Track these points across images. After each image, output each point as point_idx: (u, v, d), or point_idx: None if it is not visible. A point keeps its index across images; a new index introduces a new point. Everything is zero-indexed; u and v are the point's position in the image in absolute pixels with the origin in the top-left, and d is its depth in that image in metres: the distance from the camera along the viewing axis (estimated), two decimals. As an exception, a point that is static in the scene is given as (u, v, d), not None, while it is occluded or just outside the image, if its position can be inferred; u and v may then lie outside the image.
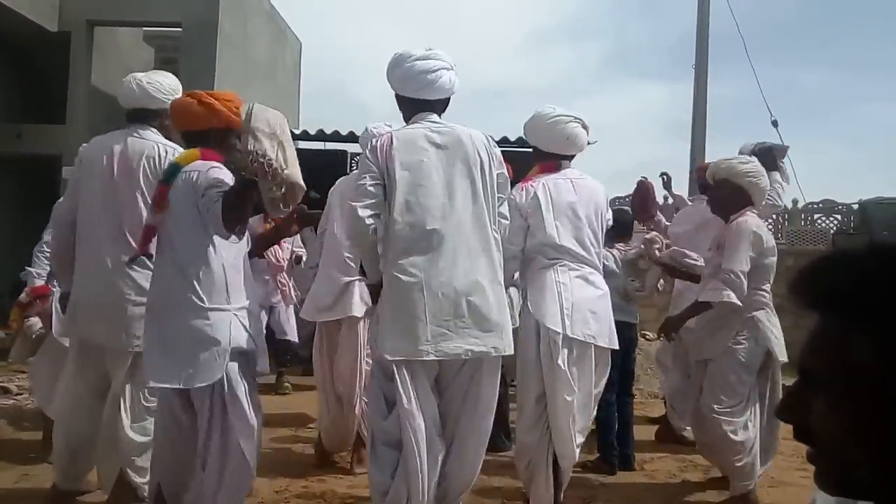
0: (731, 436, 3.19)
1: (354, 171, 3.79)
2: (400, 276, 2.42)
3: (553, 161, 3.10)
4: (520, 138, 8.57)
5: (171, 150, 2.88)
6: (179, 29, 8.76)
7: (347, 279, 3.57)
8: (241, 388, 2.41)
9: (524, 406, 2.94)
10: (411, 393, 2.41)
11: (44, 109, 8.73)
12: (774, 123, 10.28)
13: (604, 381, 3.07)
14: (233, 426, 2.38)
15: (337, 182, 3.85)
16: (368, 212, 2.42)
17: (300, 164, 2.51)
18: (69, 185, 3.09)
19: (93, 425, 2.93)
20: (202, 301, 2.37)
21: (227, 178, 2.37)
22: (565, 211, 2.98)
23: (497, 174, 2.59)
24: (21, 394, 5.63)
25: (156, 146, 2.91)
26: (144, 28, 9.84)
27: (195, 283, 2.37)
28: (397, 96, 2.64)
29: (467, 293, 2.44)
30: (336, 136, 8.69)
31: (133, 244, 2.75)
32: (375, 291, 2.57)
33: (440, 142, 2.51)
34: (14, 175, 8.75)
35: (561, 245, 2.93)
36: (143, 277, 2.75)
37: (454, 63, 2.61)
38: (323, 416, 3.76)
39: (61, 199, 3.49)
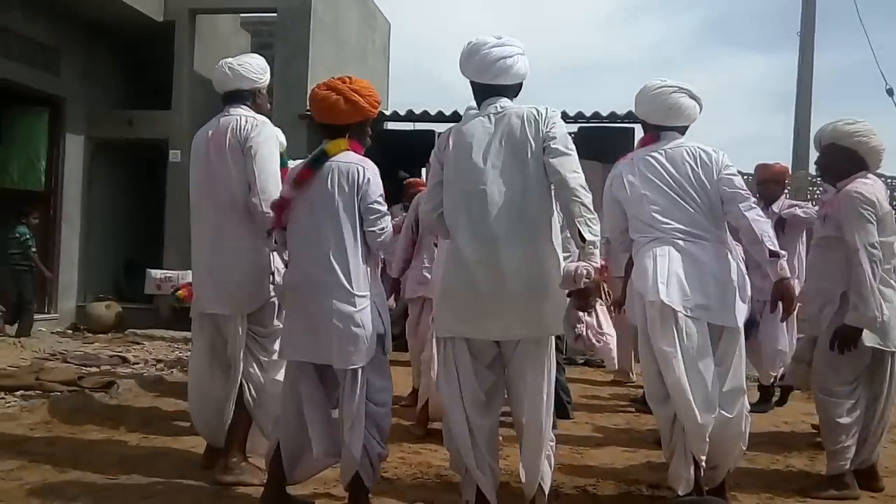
0: (837, 419, 3.11)
1: None
2: (451, 257, 2.54)
3: (653, 133, 3.00)
4: (612, 113, 8.39)
5: (252, 119, 3.09)
6: (275, 14, 9.00)
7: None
8: (377, 367, 2.62)
9: (646, 382, 2.90)
10: (453, 370, 2.50)
11: (151, 96, 9.20)
12: (889, 92, 9.61)
13: (735, 362, 2.76)
14: (357, 399, 2.56)
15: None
16: (434, 213, 2.61)
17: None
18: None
19: (219, 387, 3.14)
20: (352, 287, 2.58)
21: (380, 184, 2.68)
22: (658, 186, 2.84)
23: (549, 142, 2.47)
24: (138, 363, 6.04)
25: (238, 118, 3.10)
26: (241, 15, 10.18)
27: (345, 269, 2.58)
28: (472, 83, 2.66)
29: (516, 273, 2.44)
30: (425, 117, 8.76)
31: (234, 216, 3.03)
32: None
33: (493, 126, 2.53)
34: (125, 159, 9.29)
35: (658, 220, 2.80)
36: (246, 249, 3.05)
37: (524, 48, 2.63)
38: (422, 388, 3.98)
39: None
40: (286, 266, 2.87)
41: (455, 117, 8.57)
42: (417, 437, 3.86)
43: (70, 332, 8.07)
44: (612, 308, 5.87)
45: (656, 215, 2.81)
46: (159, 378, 5.41)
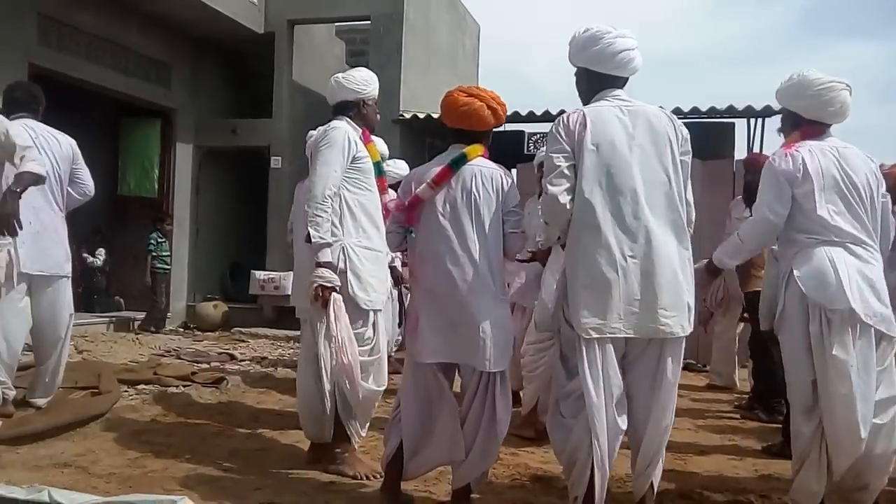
0: None
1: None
2: (591, 253, 2.42)
3: (813, 127, 2.84)
4: (711, 108, 8.10)
5: (327, 126, 3.27)
6: (368, 22, 9.23)
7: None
8: (503, 376, 2.65)
9: (792, 393, 2.75)
10: (598, 371, 2.40)
11: (253, 105, 9.64)
12: None
13: (891, 371, 2.67)
14: (497, 402, 2.61)
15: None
16: (567, 196, 2.44)
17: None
18: None
19: (318, 385, 3.22)
20: (496, 289, 2.65)
21: (517, 192, 2.75)
22: (835, 185, 2.72)
23: (682, 152, 2.51)
24: (244, 360, 6.34)
25: (322, 127, 3.30)
26: (336, 24, 10.49)
27: (492, 273, 2.64)
28: (585, 71, 2.62)
29: (657, 271, 2.39)
30: (515, 117, 8.74)
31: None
32: (544, 256, 2.80)
33: (630, 120, 2.48)
34: (230, 166, 9.77)
35: (834, 226, 2.68)
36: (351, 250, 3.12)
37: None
38: (530, 391, 3.94)
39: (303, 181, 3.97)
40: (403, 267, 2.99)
41: (547, 117, 8.50)
42: (527, 440, 3.80)
43: (181, 330, 8.57)
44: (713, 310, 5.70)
45: (833, 216, 2.70)
46: (264, 375, 5.66)
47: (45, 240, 3.87)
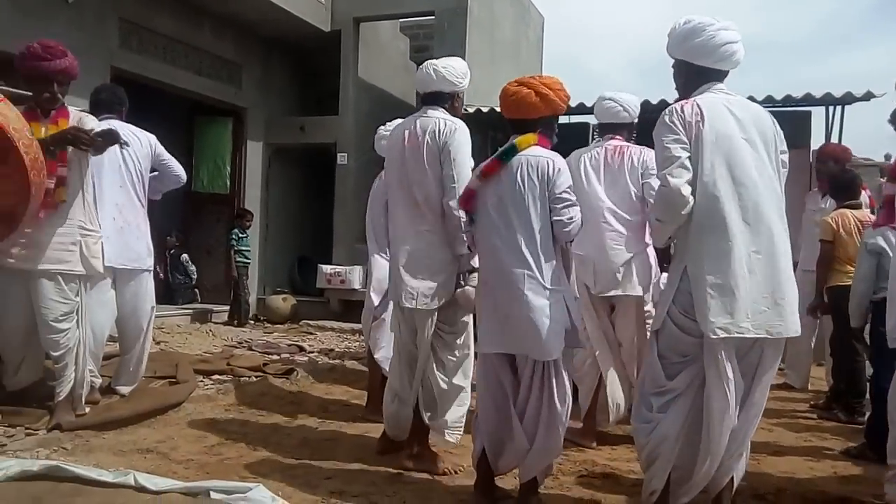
0: None
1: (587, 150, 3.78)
2: (718, 250, 2.36)
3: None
4: (787, 96, 7.78)
5: (451, 123, 3.11)
6: (432, 17, 9.26)
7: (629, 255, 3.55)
8: (559, 365, 2.63)
9: None
10: (728, 372, 2.35)
11: (320, 103, 9.82)
12: None
13: None
14: (553, 395, 2.60)
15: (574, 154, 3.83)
16: (689, 188, 2.37)
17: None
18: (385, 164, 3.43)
19: (410, 378, 3.21)
20: (543, 279, 2.61)
21: (570, 176, 2.70)
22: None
23: (781, 150, 2.49)
24: (313, 351, 6.49)
25: (437, 120, 3.13)
26: (400, 20, 10.56)
27: (538, 263, 2.62)
28: (685, 64, 2.55)
29: (780, 268, 2.37)
30: (581, 109, 8.61)
31: (427, 214, 3.08)
32: (665, 255, 2.78)
33: (739, 115, 2.44)
34: (297, 163, 9.99)
35: None
36: (437, 244, 3.08)
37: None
38: (584, 394, 3.79)
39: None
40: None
41: (613, 109, 8.33)
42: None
43: (252, 322, 8.83)
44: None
45: None
46: (332, 366, 5.79)
47: (128, 235, 4.08)
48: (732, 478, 2.49)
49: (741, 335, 2.33)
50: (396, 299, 3.19)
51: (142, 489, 2.61)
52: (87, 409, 3.71)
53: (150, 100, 7.35)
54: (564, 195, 2.66)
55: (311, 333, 7.89)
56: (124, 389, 4.20)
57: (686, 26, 2.51)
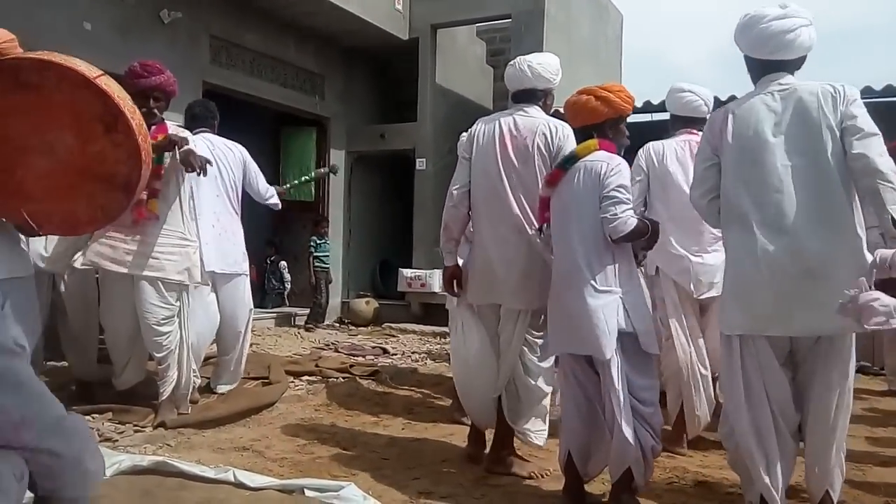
0: None
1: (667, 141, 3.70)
2: (737, 248, 2.39)
3: None
4: (888, 86, 7.35)
5: (562, 126, 3.06)
6: (508, 21, 9.27)
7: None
8: (616, 366, 2.58)
9: None
10: (738, 369, 2.35)
11: (398, 110, 10.01)
12: None
13: None
14: (633, 398, 2.58)
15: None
16: (706, 197, 2.54)
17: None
18: (459, 164, 3.30)
19: (492, 378, 3.18)
20: (595, 282, 2.62)
21: (627, 177, 2.68)
22: None
23: (847, 116, 2.27)
24: (395, 354, 6.61)
25: (546, 123, 3.08)
26: (477, 24, 10.62)
27: (591, 265, 2.64)
28: (747, 58, 2.52)
29: (822, 263, 2.24)
30: (663, 107, 8.41)
31: (521, 216, 3.05)
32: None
33: (780, 107, 2.36)
34: (378, 169, 10.21)
35: None
36: (524, 244, 3.04)
37: (812, 17, 2.40)
38: (673, 400, 3.66)
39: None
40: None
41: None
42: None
43: (337, 324, 9.07)
44: None
45: None
46: (415, 368, 5.88)
47: (225, 241, 4.29)
48: (829, 492, 2.37)
49: (763, 333, 2.32)
50: (481, 300, 3.19)
51: (241, 485, 2.73)
52: (189, 408, 3.91)
53: (238, 112, 7.68)
54: (612, 193, 2.63)
55: (393, 336, 8.02)
56: (224, 388, 4.42)
57: (744, 20, 2.48)
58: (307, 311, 8.81)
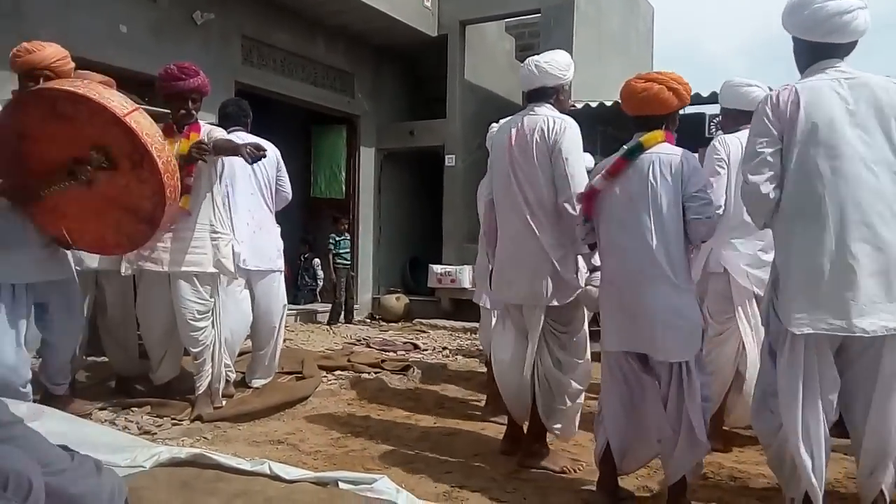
0: None
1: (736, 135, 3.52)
2: (808, 244, 2.24)
3: None
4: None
5: (560, 120, 3.05)
6: (537, 15, 9.22)
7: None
8: (694, 366, 2.56)
9: None
10: (801, 368, 2.25)
11: (427, 106, 10.02)
12: None
13: None
14: (685, 393, 2.55)
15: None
16: (770, 185, 2.29)
17: None
18: (489, 166, 3.39)
19: (522, 372, 3.17)
20: (676, 279, 2.57)
21: (703, 174, 2.63)
22: None
23: None
24: (426, 350, 6.63)
25: (546, 118, 3.07)
26: (506, 20, 10.58)
27: (671, 262, 2.57)
28: (795, 41, 2.41)
29: (886, 265, 2.18)
30: (696, 99, 8.29)
31: (539, 214, 3.04)
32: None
33: (850, 96, 2.25)
34: (406, 166, 10.24)
35: None
36: (549, 242, 3.03)
37: (867, 1, 2.31)
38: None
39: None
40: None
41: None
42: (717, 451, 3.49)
43: (368, 320, 9.13)
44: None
45: None
46: (445, 364, 5.90)
47: (259, 238, 4.36)
48: (883, 491, 2.32)
49: (828, 332, 2.20)
50: (508, 298, 3.19)
51: (276, 478, 2.77)
52: (224, 402, 3.98)
53: (270, 111, 7.78)
54: (701, 194, 2.57)
55: (423, 332, 8.06)
56: (259, 383, 4.49)
57: (792, 1, 2.37)
58: (328, 307, 8.83)
